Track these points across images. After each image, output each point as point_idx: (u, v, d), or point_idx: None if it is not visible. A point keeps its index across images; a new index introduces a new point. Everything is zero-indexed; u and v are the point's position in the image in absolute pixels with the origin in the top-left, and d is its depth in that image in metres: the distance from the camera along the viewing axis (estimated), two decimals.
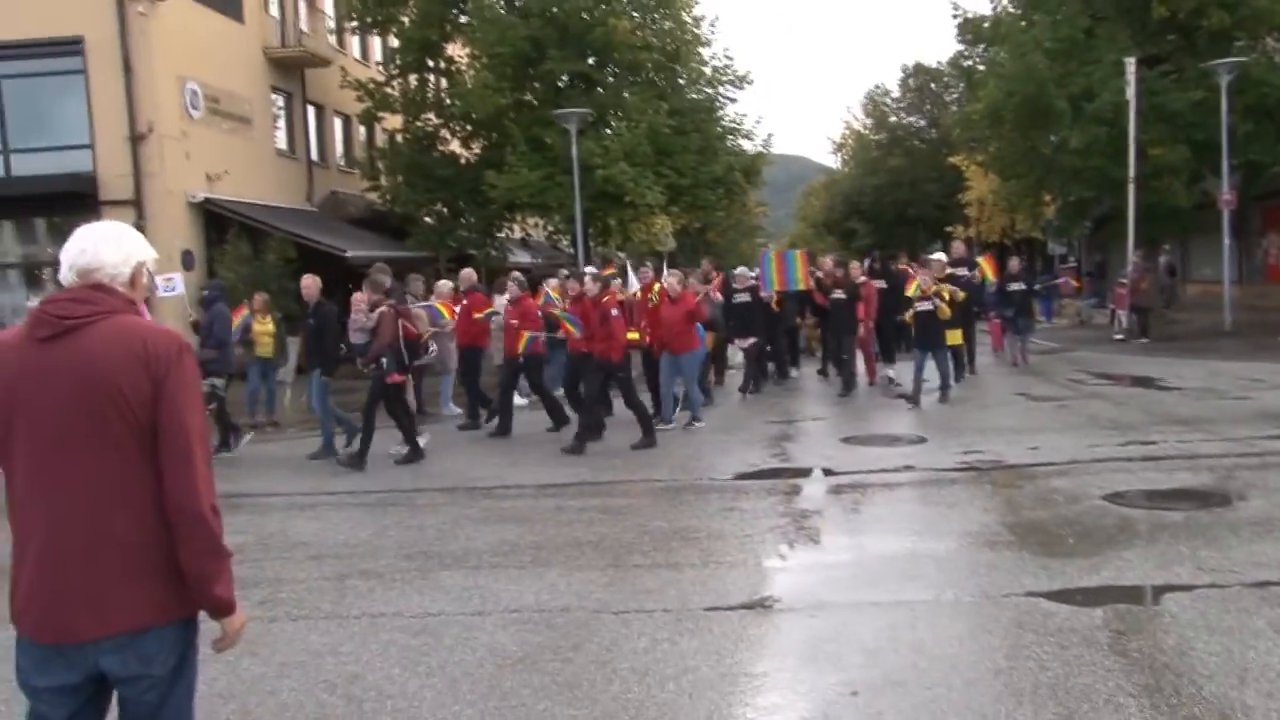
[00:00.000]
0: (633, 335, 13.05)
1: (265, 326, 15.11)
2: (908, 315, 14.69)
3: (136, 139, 21.08)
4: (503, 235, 29.86)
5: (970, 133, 28.83)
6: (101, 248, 2.94)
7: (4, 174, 22.01)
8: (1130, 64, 21.36)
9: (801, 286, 16.84)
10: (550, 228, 30.16)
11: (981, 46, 27.45)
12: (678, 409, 13.67)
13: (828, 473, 10.27)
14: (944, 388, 14.55)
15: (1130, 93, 21.47)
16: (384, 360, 11.52)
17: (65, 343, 2.80)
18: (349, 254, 22.42)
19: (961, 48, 29.28)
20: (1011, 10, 26.19)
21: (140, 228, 21.02)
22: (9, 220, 22.72)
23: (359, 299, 12.94)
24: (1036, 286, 19.91)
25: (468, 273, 15.66)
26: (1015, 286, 18.27)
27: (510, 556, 7.54)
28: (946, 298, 14.23)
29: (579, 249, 23.76)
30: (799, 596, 6.46)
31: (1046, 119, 23.07)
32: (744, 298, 16.03)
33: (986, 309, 19.26)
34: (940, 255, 17.01)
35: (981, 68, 27.07)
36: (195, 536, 2.82)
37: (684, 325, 13.13)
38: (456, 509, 9.39)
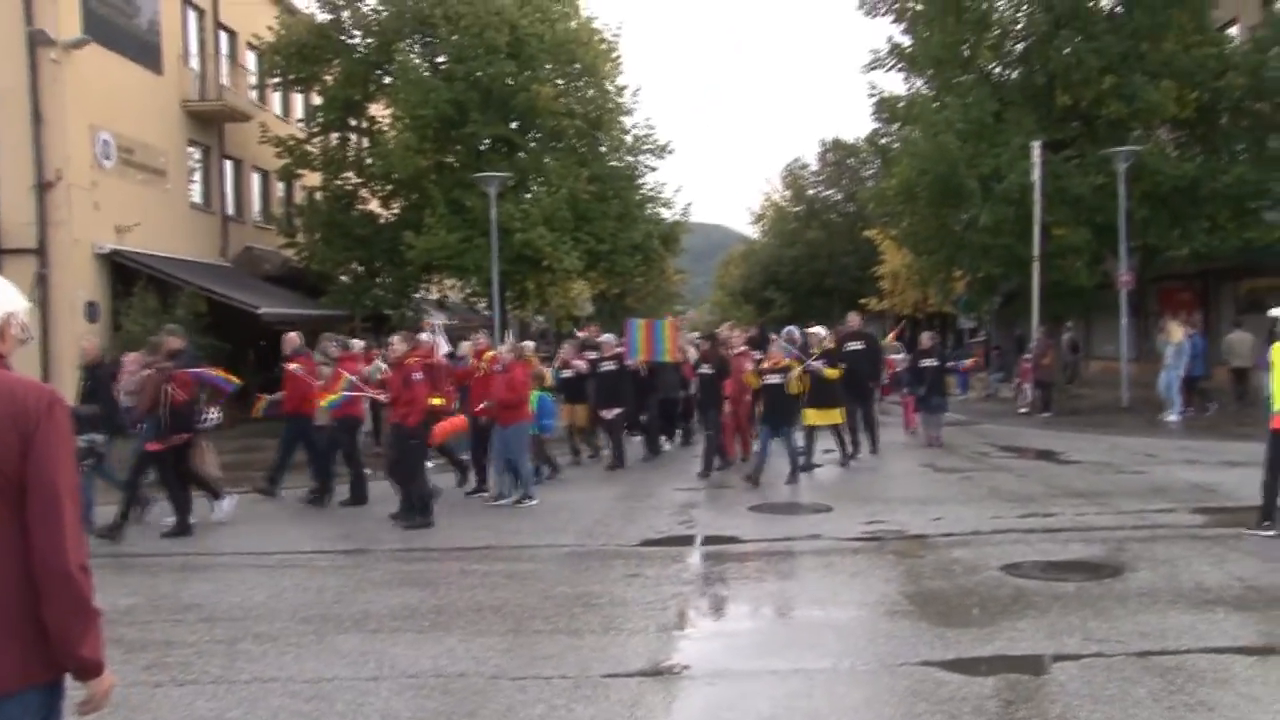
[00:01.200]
0: (436, 401, 12.26)
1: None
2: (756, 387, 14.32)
3: (44, 187, 20.63)
4: (419, 295, 29.71)
5: (884, 208, 29.52)
6: None
7: None
8: (1035, 147, 22.17)
9: (668, 358, 16.18)
10: (468, 290, 30.09)
11: (896, 125, 28.25)
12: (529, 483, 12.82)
13: (733, 541, 10.31)
14: (793, 469, 13.71)
15: (1036, 175, 22.25)
16: (144, 425, 11.20)
17: None
18: (261, 310, 22.10)
19: (877, 126, 30.10)
20: (925, 91, 27.04)
21: (44, 277, 20.71)
22: None
23: (131, 360, 12.65)
24: (949, 363, 19.46)
25: (291, 337, 14.34)
26: (928, 363, 17.60)
27: (410, 620, 7.43)
28: (796, 372, 13.69)
29: (496, 311, 23.74)
30: (699, 663, 6.46)
31: (957, 197, 23.75)
32: (610, 366, 15.72)
33: (887, 386, 19.38)
34: (817, 329, 16.07)
35: (896, 145, 27.84)
36: (62, 595, 2.74)
37: (511, 396, 12.33)
38: (359, 572, 9.23)
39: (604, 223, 26.01)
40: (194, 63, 26.45)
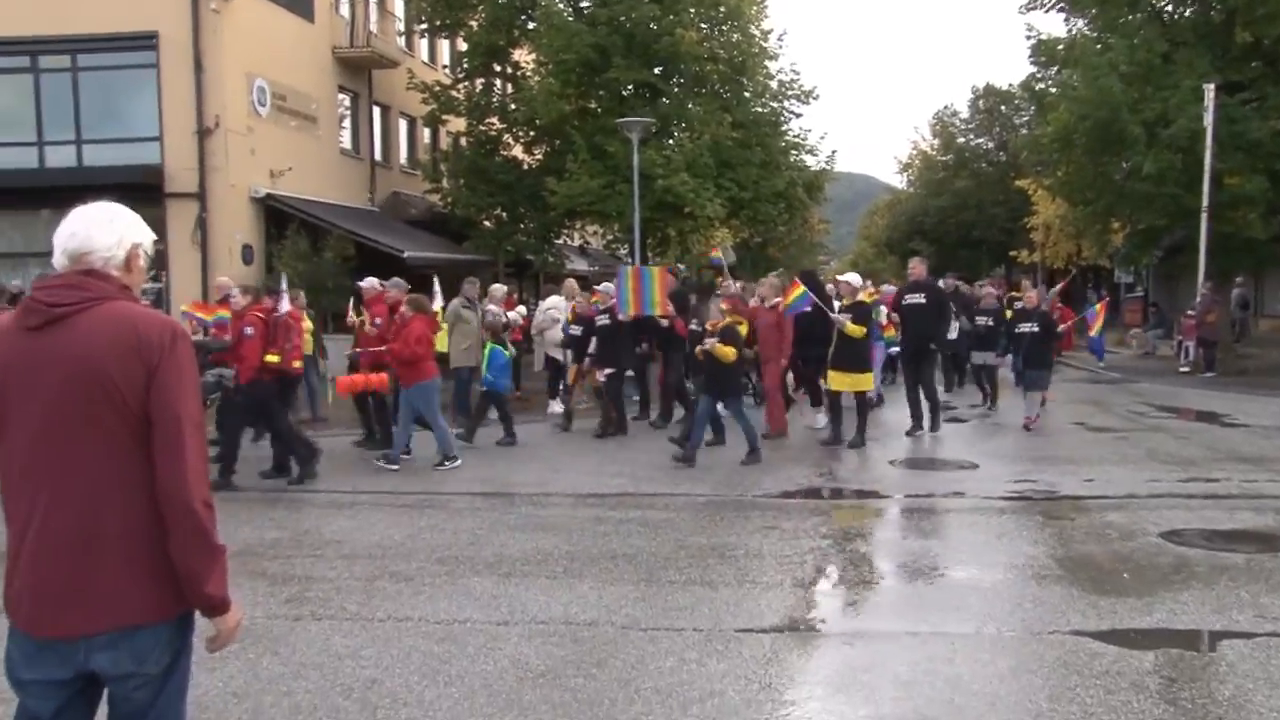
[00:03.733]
0: (271, 358, 10.95)
1: (303, 324, 14.85)
2: (698, 351, 11.86)
3: (203, 134, 21.33)
4: (561, 242, 29.82)
5: (1039, 155, 28.24)
6: (93, 230, 2.84)
7: (76, 163, 22.38)
8: (1209, 90, 20.78)
9: (658, 311, 14.01)
10: (609, 236, 30.08)
11: (1055, 69, 26.88)
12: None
13: (874, 495, 10.03)
14: (751, 449, 11.54)
15: (1208, 119, 20.89)
16: None
17: (55, 331, 2.70)
18: (406, 254, 22.49)
19: (1034, 70, 28.70)
20: (1087, 33, 25.60)
21: (203, 221, 21.45)
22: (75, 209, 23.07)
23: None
24: (1057, 327, 15.06)
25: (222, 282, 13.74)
26: (1025, 327, 14.51)
27: (543, 566, 7.41)
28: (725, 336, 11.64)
29: (636, 258, 23.63)
30: (835, 622, 6.26)
31: (1119, 144, 22.48)
32: (604, 320, 14.20)
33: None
34: (851, 276, 13.43)
35: (1054, 90, 26.50)
36: (185, 529, 2.71)
37: (406, 353, 11.35)
38: (494, 514, 9.28)
39: (747, 170, 25.59)
40: (344, 10, 26.89)
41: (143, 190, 21.50)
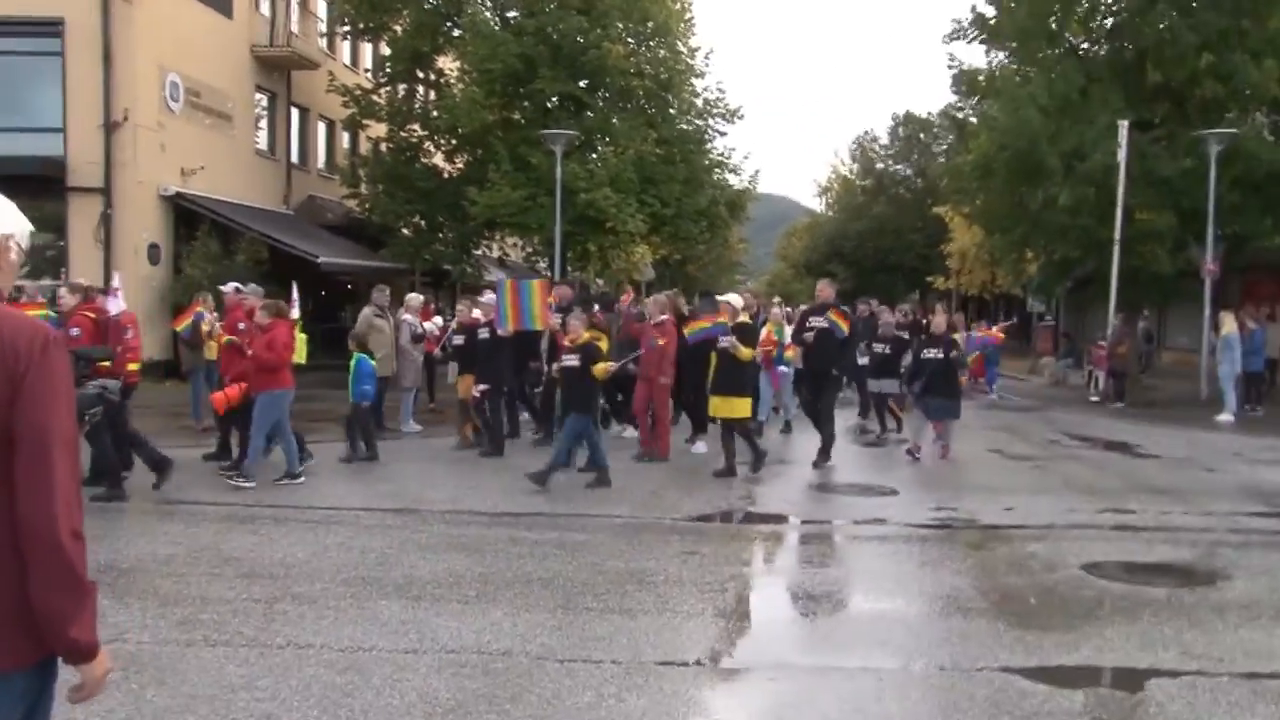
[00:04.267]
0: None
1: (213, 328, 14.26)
2: (554, 368, 11.87)
3: (110, 127, 20.56)
4: (480, 253, 29.42)
5: (958, 183, 28.64)
6: None
7: None
8: (1123, 126, 21.23)
9: (539, 326, 13.32)
10: (529, 249, 29.76)
11: (975, 99, 27.35)
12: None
13: (796, 521, 9.87)
14: (599, 470, 11.15)
15: (1121, 155, 21.33)
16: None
17: None
18: (320, 260, 21.92)
19: (955, 99, 29.24)
20: (1007, 65, 26.08)
21: (108, 217, 20.67)
22: None
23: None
24: (953, 354, 13.52)
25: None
26: (932, 353, 13.47)
27: (454, 589, 7.08)
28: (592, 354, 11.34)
29: (556, 272, 23.35)
30: (759, 655, 6.04)
31: (1037, 175, 22.87)
32: (484, 334, 13.44)
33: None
34: (732, 297, 12.98)
35: (974, 120, 26.95)
36: (48, 566, 2.35)
37: (268, 358, 10.76)
38: (405, 532, 8.91)
39: (670, 186, 25.50)
40: (265, 8, 26.24)
41: (42, 183, 20.71)
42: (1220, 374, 19.40)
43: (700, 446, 13.61)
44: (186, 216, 21.99)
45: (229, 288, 13.30)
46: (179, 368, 19.76)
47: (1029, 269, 30.50)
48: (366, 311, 14.00)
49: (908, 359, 15.37)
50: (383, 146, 28.46)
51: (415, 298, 15.15)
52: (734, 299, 12.56)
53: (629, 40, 26.04)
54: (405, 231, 27.05)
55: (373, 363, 12.66)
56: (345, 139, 30.97)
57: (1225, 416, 18.81)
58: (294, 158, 28.16)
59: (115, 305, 10.91)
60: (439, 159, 27.63)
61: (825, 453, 12.75)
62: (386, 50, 27.83)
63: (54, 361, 2.41)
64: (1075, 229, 23.28)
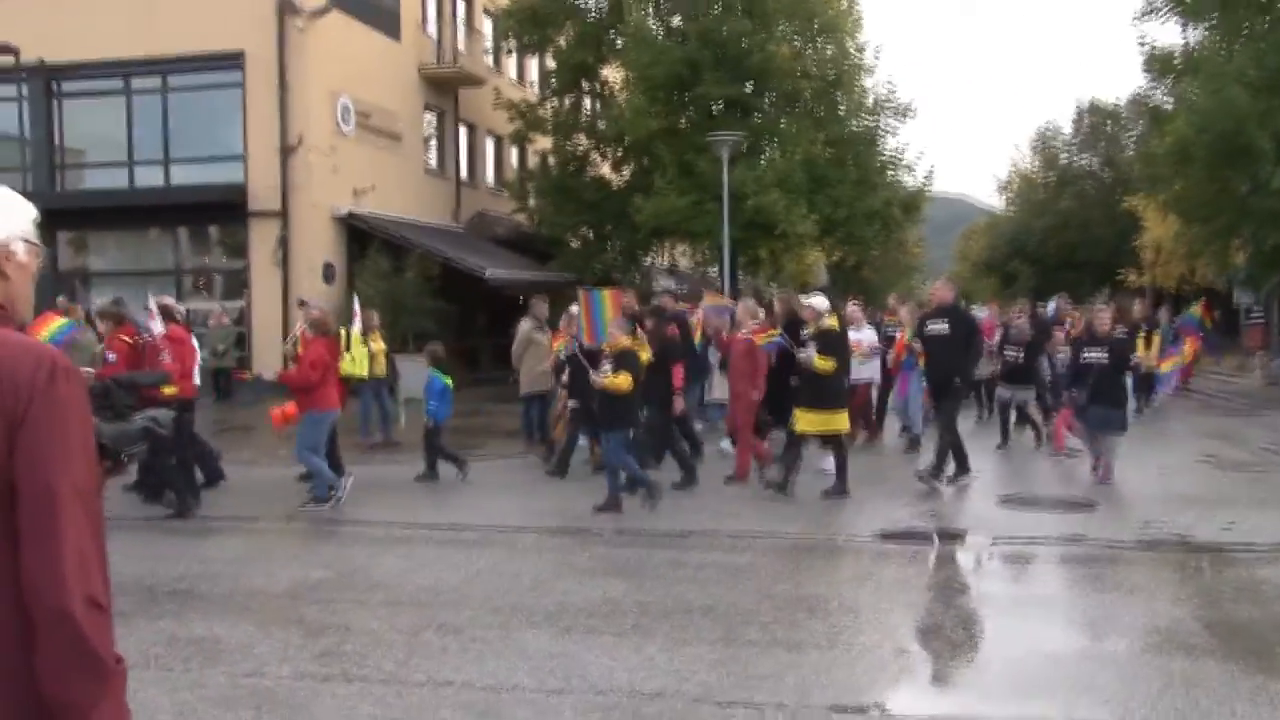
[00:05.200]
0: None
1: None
2: (593, 380, 10.27)
3: (286, 151, 21.11)
4: (649, 262, 29.15)
5: (1152, 171, 26.74)
6: None
7: (163, 183, 22.40)
8: None
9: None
10: (698, 256, 29.33)
11: (1170, 80, 25.43)
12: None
13: (982, 539, 9.01)
14: (616, 493, 10.05)
15: None
16: None
17: None
18: (488, 273, 21.98)
19: (1145, 82, 27.30)
20: (1206, 42, 24.16)
21: (285, 239, 21.19)
22: (160, 229, 23.15)
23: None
24: (1135, 359, 12.46)
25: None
26: (1093, 355, 11.70)
27: (609, 619, 6.59)
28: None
29: (726, 279, 22.83)
30: (943, 702, 5.34)
31: (1244, 157, 21.03)
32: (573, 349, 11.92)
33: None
34: (816, 299, 11.29)
35: (1169, 103, 25.09)
36: (57, 643, 1.91)
37: (299, 379, 10.31)
38: (561, 554, 8.51)
39: (841, 188, 24.65)
40: (431, 29, 26.63)
41: (227, 209, 21.49)
42: None
43: (830, 461, 11.81)
44: (359, 235, 22.41)
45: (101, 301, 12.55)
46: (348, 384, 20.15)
47: (1235, 259, 28.25)
48: (525, 325, 13.70)
49: (1050, 364, 14.21)
50: (549, 159, 28.56)
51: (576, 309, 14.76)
52: (816, 301, 11.16)
53: (795, 40, 25.33)
54: (574, 243, 27.03)
55: (445, 380, 11.92)
56: (513, 154, 31.22)
57: None
58: (463, 174, 28.49)
59: (156, 327, 10.43)
60: (605, 169, 27.52)
61: (940, 464, 11.18)
62: (551, 64, 27.91)
63: (62, 394, 1.98)
64: None
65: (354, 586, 7.48)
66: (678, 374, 11.37)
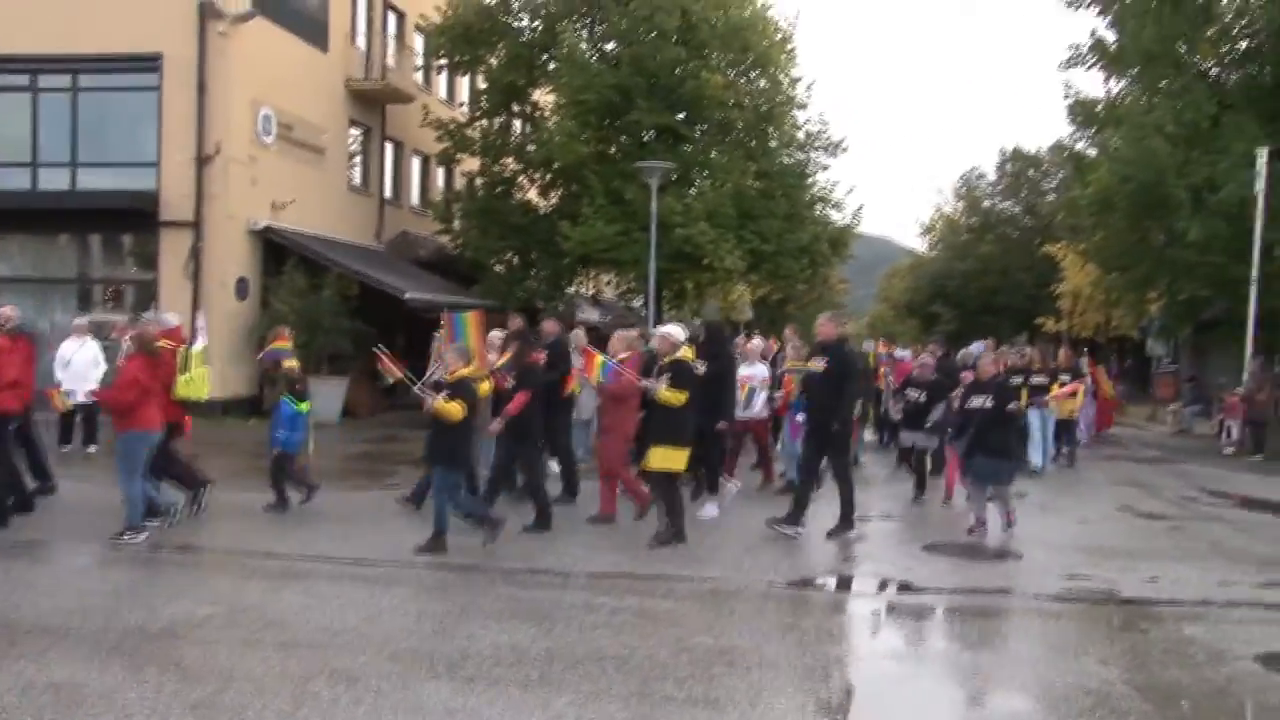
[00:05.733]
0: None
1: (290, 364, 13.48)
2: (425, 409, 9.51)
3: (202, 160, 20.37)
4: (573, 290, 28.76)
5: (1074, 219, 27.16)
6: None
7: (69, 187, 21.46)
8: (1262, 154, 19.68)
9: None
10: (624, 286, 29.03)
11: (1093, 130, 25.85)
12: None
13: (907, 589, 8.73)
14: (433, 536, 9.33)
15: (1260, 185, 19.76)
16: None
17: None
18: (407, 295, 21.39)
19: (1070, 131, 27.72)
20: (1129, 93, 24.60)
21: (198, 251, 20.42)
22: (69, 235, 22.18)
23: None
24: (1010, 405, 10.99)
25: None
26: (977, 401, 11.08)
27: (515, 668, 6.16)
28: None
29: (651, 309, 22.54)
30: None
31: (1162, 209, 21.39)
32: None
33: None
34: (671, 329, 10.57)
35: (1092, 152, 25.50)
36: None
37: (115, 398, 9.64)
38: (469, 595, 8.02)
39: (770, 222, 24.56)
40: (360, 42, 26.07)
41: (136, 217, 20.64)
42: None
43: (710, 508, 11.51)
44: (276, 251, 21.69)
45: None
46: (262, 404, 19.40)
47: (1150, 309, 28.77)
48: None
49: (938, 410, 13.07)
50: (476, 181, 28.08)
51: (494, 335, 14.24)
52: (673, 331, 10.36)
53: (728, 71, 25.25)
54: (498, 268, 26.56)
55: (297, 407, 11.25)
56: (439, 174, 30.69)
57: None
58: (387, 193, 27.87)
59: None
60: (533, 194, 27.13)
61: (846, 519, 10.58)
62: (482, 84, 27.50)
63: None
64: (1205, 266, 21.72)
65: (244, 625, 6.94)
66: (519, 400, 10.33)
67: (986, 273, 53.31)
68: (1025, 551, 10.25)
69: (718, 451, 11.85)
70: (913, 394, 13.53)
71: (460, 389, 9.38)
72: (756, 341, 14.63)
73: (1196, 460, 19.97)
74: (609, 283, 30.58)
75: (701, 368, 10.73)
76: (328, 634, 6.77)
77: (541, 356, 11.69)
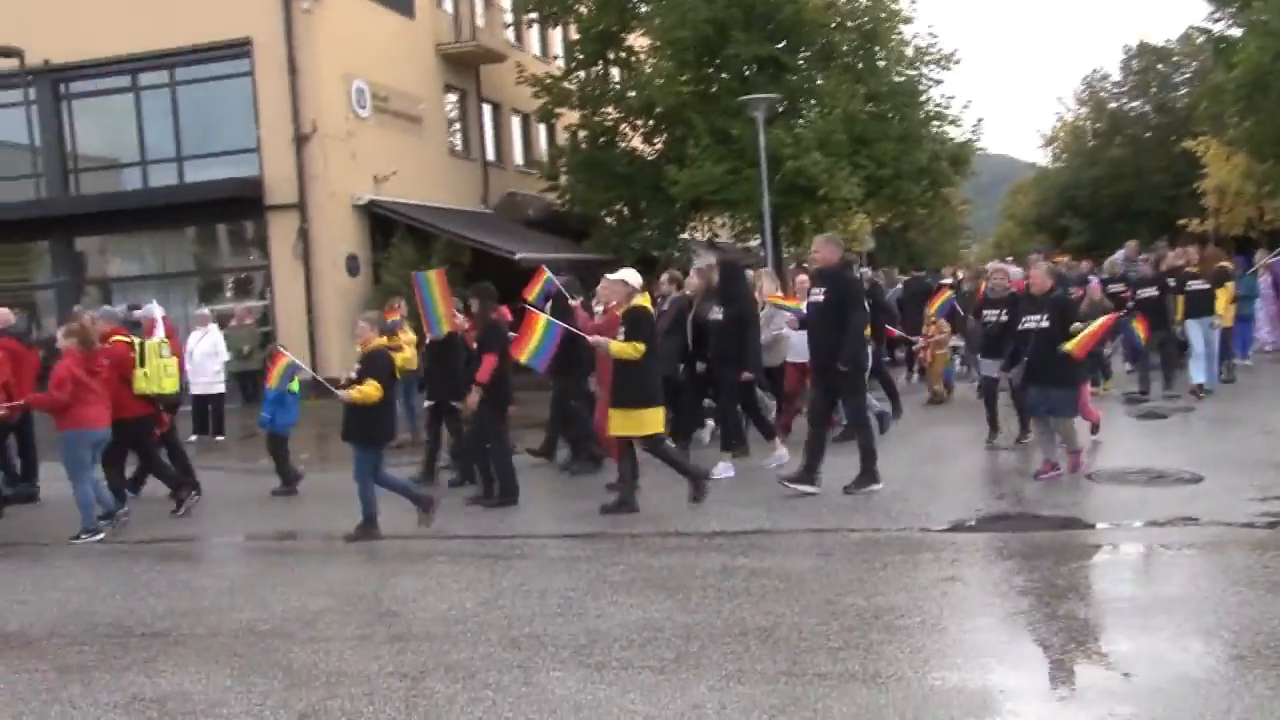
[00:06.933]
0: None
1: (407, 338, 13.13)
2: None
3: (300, 140, 20.20)
4: (687, 236, 27.99)
5: (1218, 107, 25.13)
6: None
7: (178, 181, 21.62)
8: None
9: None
10: (739, 226, 28.09)
11: (1234, 7, 23.76)
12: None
13: (1078, 525, 7.84)
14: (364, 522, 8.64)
15: None
16: None
17: None
18: (517, 256, 20.93)
19: (1206, 11, 25.61)
20: None
21: (305, 232, 20.31)
22: (182, 228, 22.38)
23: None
24: (1075, 324, 9.50)
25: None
26: (1032, 321, 9.54)
27: (648, 649, 5.54)
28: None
29: (769, 249, 21.64)
30: None
31: None
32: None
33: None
34: (626, 273, 9.21)
35: (1235, 32, 23.45)
36: None
37: (49, 403, 9.22)
38: (596, 566, 7.45)
39: (885, 145, 23.38)
40: (447, 4, 25.58)
41: (243, 204, 20.68)
42: None
43: (779, 453, 10.56)
44: (382, 224, 21.48)
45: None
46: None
47: None
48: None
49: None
50: (578, 134, 27.45)
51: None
52: (626, 275, 9.10)
53: None
54: (609, 220, 25.96)
55: (289, 387, 10.62)
56: (540, 131, 30.14)
57: None
58: (490, 155, 27.47)
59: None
60: (637, 141, 26.36)
61: (868, 472, 9.15)
62: (575, 35, 26.77)
63: None
64: None
65: (358, 618, 6.50)
66: (486, 364, 9.35)
67: (1118, 178, 50.44)
68: (1205, 472, 9.18)
69: (737, 405, 10.72)
70: (990, 315, 11.53)
71: (370, 363, 8.56)
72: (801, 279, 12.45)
73: None
74: (724, 225, 29.65)
75: (718, 312, 9.98)
76: (444, 623, 6.26)
77: (505, 311, 10.98)
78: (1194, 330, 13.90)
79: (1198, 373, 13.69)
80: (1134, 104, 54.05)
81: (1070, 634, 5.47)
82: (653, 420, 8.85)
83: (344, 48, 20.93)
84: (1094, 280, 15.79)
